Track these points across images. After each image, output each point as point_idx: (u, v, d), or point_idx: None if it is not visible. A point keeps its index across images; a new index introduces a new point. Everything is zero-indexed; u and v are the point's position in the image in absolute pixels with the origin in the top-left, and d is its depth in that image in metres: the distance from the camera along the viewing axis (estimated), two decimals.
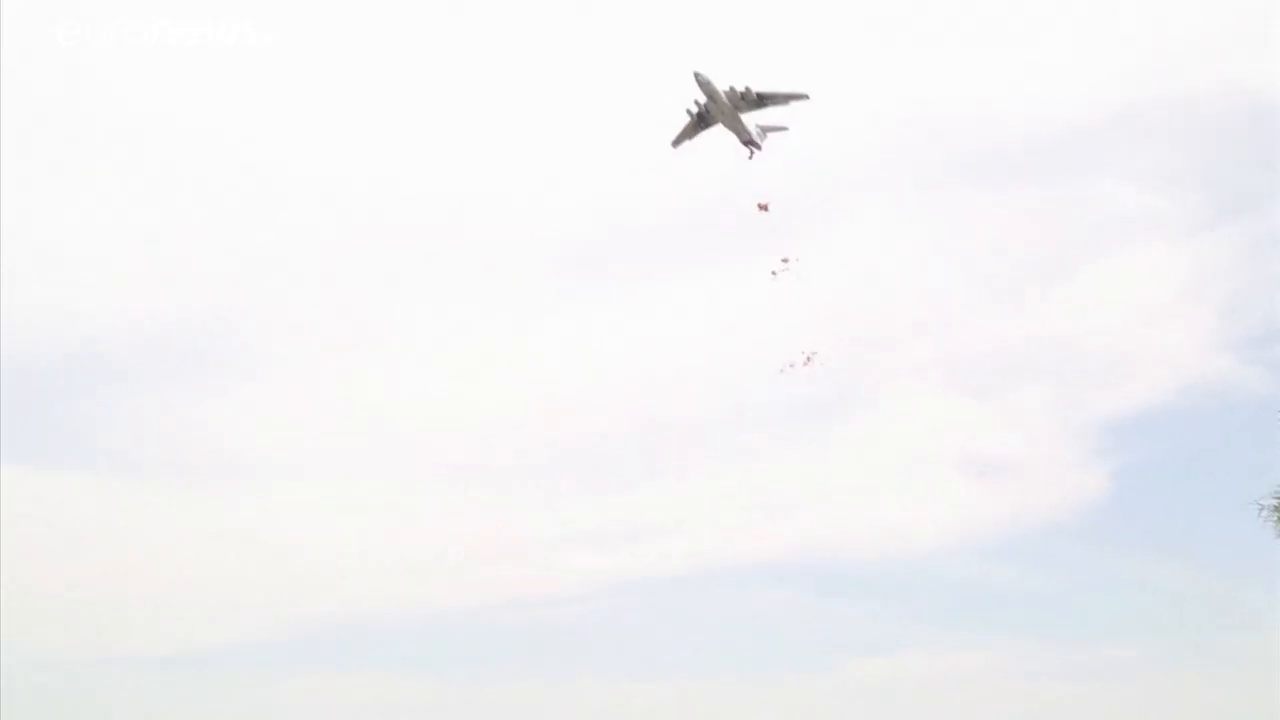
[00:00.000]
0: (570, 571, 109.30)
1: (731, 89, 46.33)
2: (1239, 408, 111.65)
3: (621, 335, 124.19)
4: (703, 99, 47.32)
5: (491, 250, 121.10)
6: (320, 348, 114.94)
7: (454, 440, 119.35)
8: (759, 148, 49.58)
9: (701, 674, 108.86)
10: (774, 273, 51.39)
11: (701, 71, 46.14)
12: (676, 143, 50.32)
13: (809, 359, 53.05)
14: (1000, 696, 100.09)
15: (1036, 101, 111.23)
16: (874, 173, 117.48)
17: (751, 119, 48.34)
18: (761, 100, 46.93)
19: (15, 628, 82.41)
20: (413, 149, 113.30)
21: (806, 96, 46.35)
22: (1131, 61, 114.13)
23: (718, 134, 49.59)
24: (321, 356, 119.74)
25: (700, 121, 48.69)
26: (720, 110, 47.54)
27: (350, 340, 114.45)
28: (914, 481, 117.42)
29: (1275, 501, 25.69)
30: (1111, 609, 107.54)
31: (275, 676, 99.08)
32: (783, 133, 49.87)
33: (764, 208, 49.27)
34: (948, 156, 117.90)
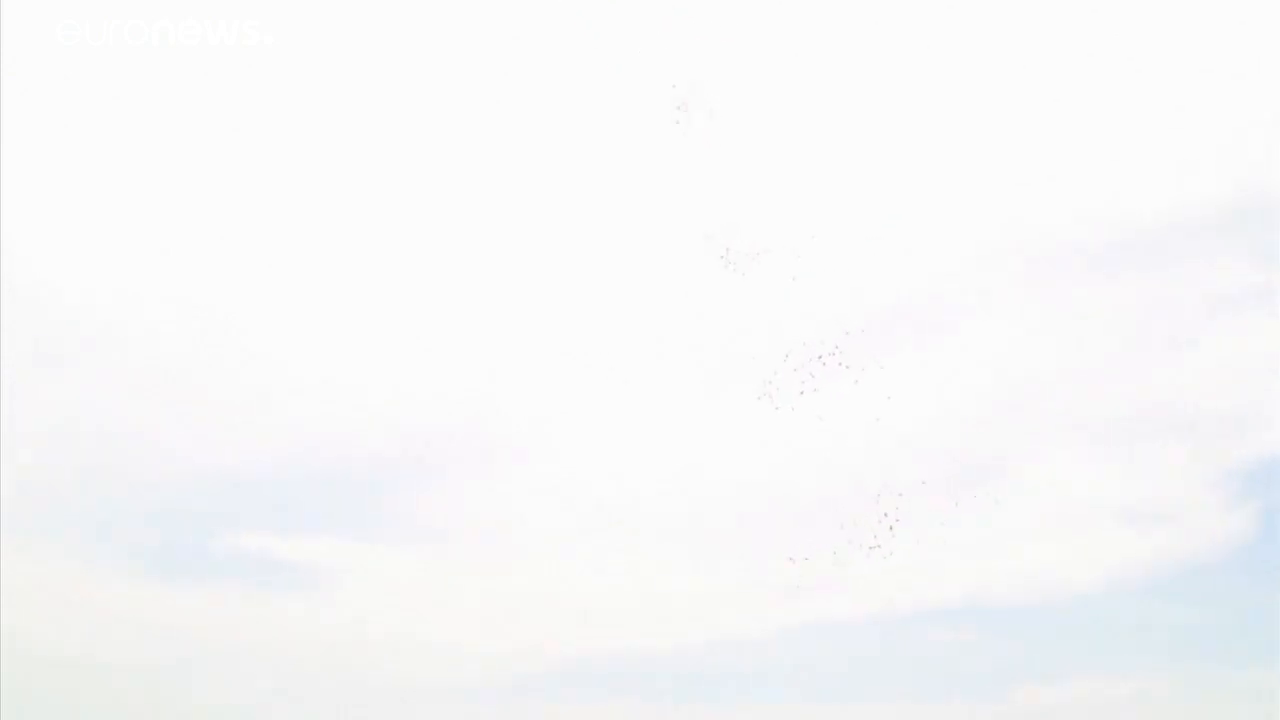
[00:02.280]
0: (765, 619, 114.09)
1: None
2: None
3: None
4: None
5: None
6: (579, 428, 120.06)
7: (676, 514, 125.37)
8: None
9: (882, 700, 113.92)
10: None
11: None
12: None
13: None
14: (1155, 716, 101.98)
15: (1145, 198, 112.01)
16: (992, 272, 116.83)
17: None
18: None
19: (349, 660, 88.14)
20: None
21: None
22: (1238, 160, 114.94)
23: None
24: (579, 437, 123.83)
25: None
26: None
27: (599, 425, 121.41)
28: (1069, 530, 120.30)
29: None
30: (1264, 635, 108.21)
31: (545, 704, 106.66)
32: None
33: None
34: (1061, 249, 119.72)
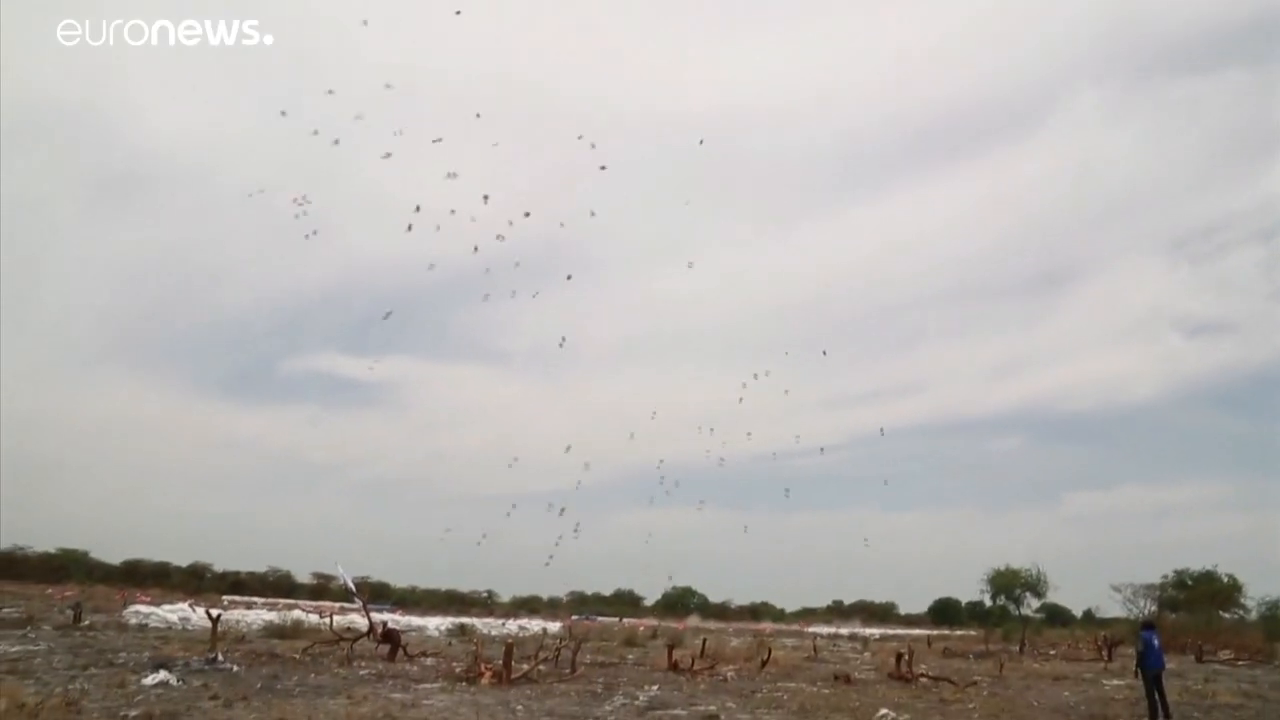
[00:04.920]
0: (828, 427, 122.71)
1: None
2: None
3: (871, 230, 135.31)
4: None
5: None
6: (633, 256, 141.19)
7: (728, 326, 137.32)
8: None
9: (943, 507, 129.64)
10: None
11: None
12: None
13: None
14: (1211, 524, 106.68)
15: None
16: (1084, 67, 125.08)
17: None
18: None
19: (435, 472, 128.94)
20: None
21: None
22: None
23: None
24: (634, 263, 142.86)
25: None
26: None
27: (653, 248, 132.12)
28: (1132, 339, 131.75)
29: None
30: None
31: (609, 510, 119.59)
32: None
33: None
34: (1157, 47, 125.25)
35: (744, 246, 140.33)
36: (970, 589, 55.92)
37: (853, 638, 48.69)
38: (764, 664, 20.65)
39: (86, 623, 23.81)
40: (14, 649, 15.57)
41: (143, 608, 29.36)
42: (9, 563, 69.73)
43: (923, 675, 18.72)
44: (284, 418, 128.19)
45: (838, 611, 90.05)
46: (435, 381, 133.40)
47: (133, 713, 8.77)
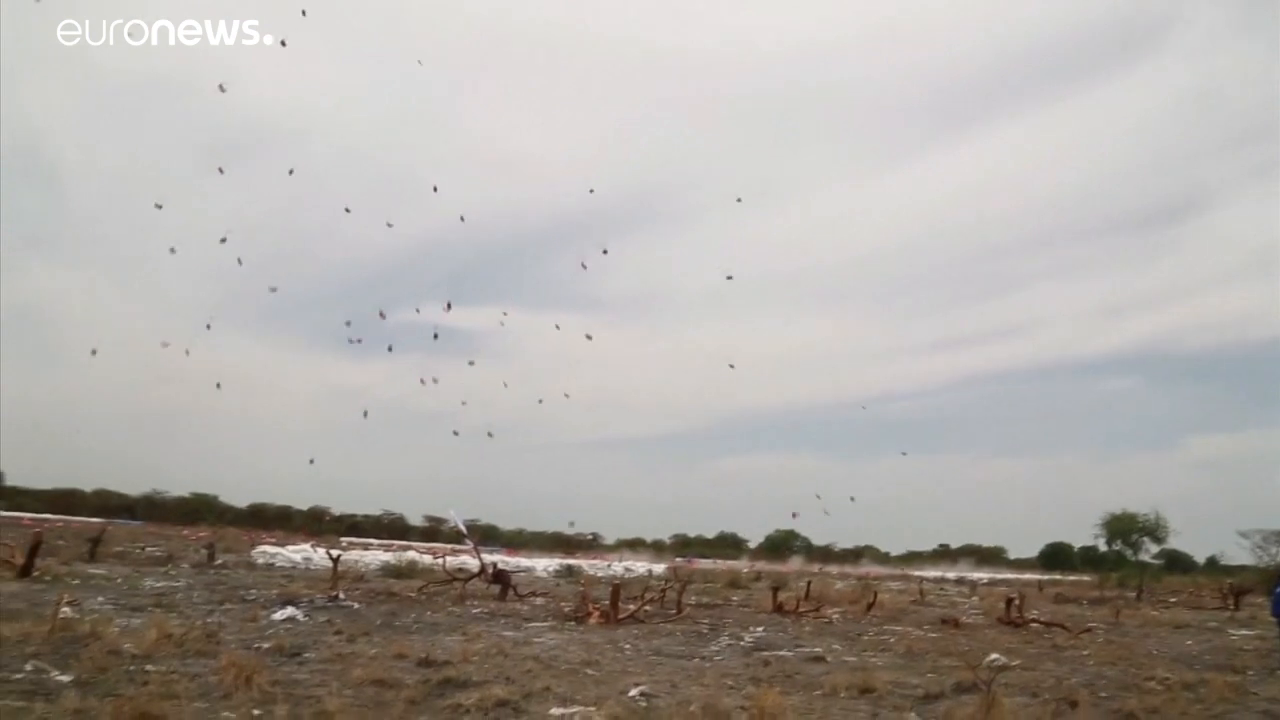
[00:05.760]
0: (936, 370, 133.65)
1: None
2: None
3: (974, 166, 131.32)
4: None
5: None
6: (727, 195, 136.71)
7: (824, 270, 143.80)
8: None
9: (1055, 451, 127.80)
10: None
11: None
12: None
13: None
14: None
15: None
16: None
17: None
18: None
19: (538, 418, 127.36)
20: None
21: None
22: None
23: None
24: (727, 203, 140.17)
25: None
26: None
27: (747, 191, 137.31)
28: (1257, 275, 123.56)
29: None
30: None
31: (701, 455, 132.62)
32: None
33: None
34: None
35: (840, 188, 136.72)
36: (1083, 534, 54.07)
37: (960, 582, 47.82)
38: (869, 607, 20.43)
39: (219, 562, 25.44)
40: (159, 584, 16.72)
41: (269, 548, 31.18)
42: (150, 506, 75.58)
43: (1034, 620, 18.17)
44: (391, 368, 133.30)
45: (944, 555, 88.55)
46: (535, 330, 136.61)
47: (265, 645, 9.24)
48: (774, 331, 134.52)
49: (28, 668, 7.02)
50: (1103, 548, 45.40)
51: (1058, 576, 60.21)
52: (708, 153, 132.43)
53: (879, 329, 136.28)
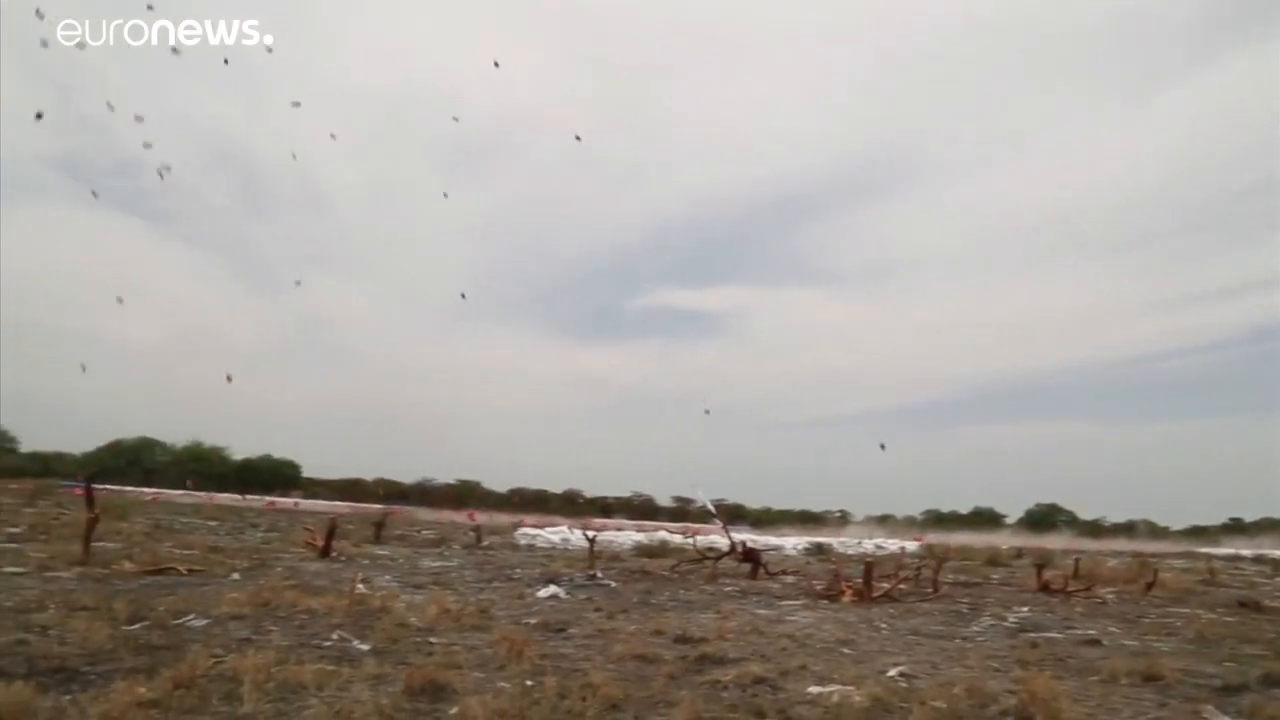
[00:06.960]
0: (1200, 325, 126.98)
1: None
2: None
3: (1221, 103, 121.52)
4: None
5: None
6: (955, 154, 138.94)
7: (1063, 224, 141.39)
8: None
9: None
10: None
11: None
12: None
13: None
14: None
15: None
16: None
17: None
18: None
19: (776, 395, 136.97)
20: None
21: None
22: None
23: None
24: (955, 163, 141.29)
25: None
26: None
27: (975, 148, 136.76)
28: None
29: None
30: None
31: (948, 425, 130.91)
32: None
33: None
34: None
35: (1076, 134, 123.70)
36: None
37: (1258, 560, 41.62)
38: (1149, 587, 18.15)
39: (486, 544, 27.46)
40: (435, 564, 18.26)
41: (529, 530, 33.25)
42: (422, 493, 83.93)
43: None
44: (633, 352, 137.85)
45: (1237, 529, 77.68)
46: (770, 307, 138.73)
47: (532, 620, 9.70)
48: (1023, 291, 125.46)
49: (334, 637, 7.80)
50: None
51: None
52: (938, 107, 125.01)
53: (1145, 279, 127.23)
